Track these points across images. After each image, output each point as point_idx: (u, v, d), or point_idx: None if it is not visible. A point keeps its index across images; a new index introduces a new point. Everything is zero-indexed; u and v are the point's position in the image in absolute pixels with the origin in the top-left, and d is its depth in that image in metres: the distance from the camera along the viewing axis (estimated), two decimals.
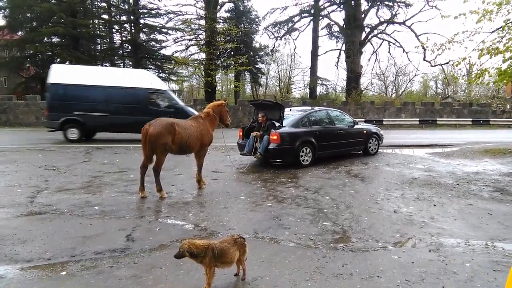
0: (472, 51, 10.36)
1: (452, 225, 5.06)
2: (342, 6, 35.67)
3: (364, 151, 12.15)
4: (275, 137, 9.43)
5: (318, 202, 6.19)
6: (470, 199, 6.49)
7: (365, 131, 12.24)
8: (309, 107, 12.94)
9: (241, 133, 10.95)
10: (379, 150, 12.55)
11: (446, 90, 52.77)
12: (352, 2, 33.87)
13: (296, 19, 37.07)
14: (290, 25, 37.47)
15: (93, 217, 5.22)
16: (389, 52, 57.79)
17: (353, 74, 34.51)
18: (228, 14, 37.02)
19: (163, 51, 34.45)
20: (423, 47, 16.97)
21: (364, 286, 3.30)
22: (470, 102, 34.64)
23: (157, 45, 33.84)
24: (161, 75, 37.53)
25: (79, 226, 4.85)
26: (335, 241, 4.44)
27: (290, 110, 11.45)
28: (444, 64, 31.37)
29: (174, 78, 40.20)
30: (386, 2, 34.73)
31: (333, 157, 10.77)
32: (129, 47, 33.64)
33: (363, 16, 35.14)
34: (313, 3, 35.65)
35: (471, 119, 28.68)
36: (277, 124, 9.91)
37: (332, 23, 37.94)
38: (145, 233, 4.62)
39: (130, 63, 35.12)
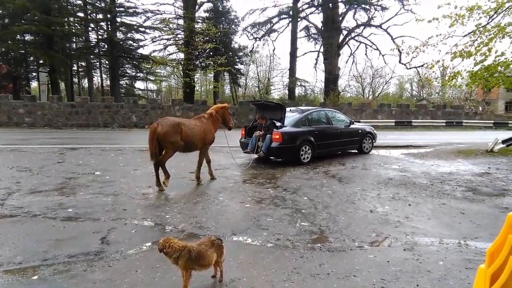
0: (445, 54, 10.66)
1: (426, 224, 5.17)
2: (320, 8, 36.06)
3: (359, 149, 12.67)
4: (277, 136, 9.92)
5: (296, 202, 6.22)
6: (444, 198, 6.65)
7: (360, 131, 12.76)
8: (310, 108, 13.42)
9: (243, 132, 11.45)
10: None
11: (421, 92, 54.17)
12: (330, 4, 34.28)
13: (275, 20, 37.29)
14: (269, 26, 37.66)
15: (67, 220, 5.09)
16: (366, 54, 58.73)
17: (331, 76, 34.91)
18: (207, 14, 36.91)
19: (140, 51, 33.95)
20: (399, 50, 17.35)
21: (340, 286, 3.33)
22: (444, 104, 35.59)
23: (135, 44, 33.29)
24: (138, 74, 37.04)
25: (52, 229, 4.72)
26: (313, 241, 4.47)
27: (290, 110, 11.80)
28: (419, 66, 32.25)
29: (152, 78, 39.80)
30: (363, 5, 35.30)
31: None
32: (105, 46, 32.99)
33: (340, 18, 35.61)
34: (291, 4, 35.89)
35: (444, 121, 29.46)
36: (278, 124, 10.41)
37: (310, 25, 38.41)
38: (120, 235, 4.53)
39: (106, 62, 34.48)
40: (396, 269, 3.67)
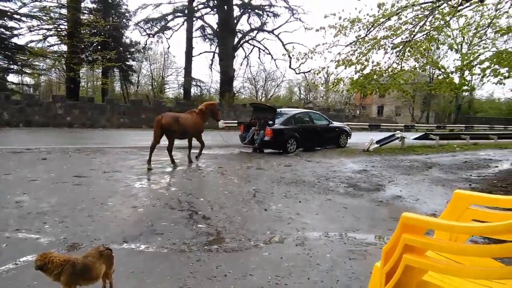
0: (330, 61, 11.53)
1: (314, 220, 5.52)
2: (215, 9, 36.23)
3: (337, 144, 15.71)
4: (269, 132, 12.87)
5: (193, 204, 6.11)
6: (329, 194, 7.20)
7: (337, 129, 16.03)
8: (297, 110, 17.42)
9: (242, 128, 14.46)
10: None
11: (308, 96, 58.14)
12: (225, 7, 34.65)
13: (169, 17, 36.23)
14: (163, 23, 36.45)
15: None
16: (259, 58, 61.12)
17: (226, 77, 35.36)
18: (95, 6, 34.17)
19: (14, 40, 29.95)
20: (289, 56, 18.29)
21: (237, 286, 3.34)
22: (328, 107, 38.78)
23: (7, 32, 29.18)
24: (12, 67, 32.60)
25: None
26: (209, 243, 4.42)
27: (280, 111, 14.73)
28: (307, 72, 34.40)
29: (28, 71, 35.37)
30: (256, 11, 36.59)
31: (211, 158, 10.82)
32: None
33: (235, 21, 36.29)
34: (186, 3, 35.37)
35: None
36: (270, 122, 13.25)
37: (206, 25, 38.29)
38: None
39: None
40: (289, 264, 3.83)
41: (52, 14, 28.47)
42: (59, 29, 29.49)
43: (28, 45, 28.76)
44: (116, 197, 6.42)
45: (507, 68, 9.35)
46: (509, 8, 9.87)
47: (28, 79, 43.35)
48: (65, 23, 28.95)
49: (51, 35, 30.16)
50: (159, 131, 9.23)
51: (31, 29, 28.85)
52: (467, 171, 10.71)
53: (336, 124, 16.57)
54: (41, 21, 28.39)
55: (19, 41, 29.35)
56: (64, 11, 29.19)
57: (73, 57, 27.76)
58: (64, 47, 30.48)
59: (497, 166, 11.93)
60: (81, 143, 14.29)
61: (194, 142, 10.63)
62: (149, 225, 4.94)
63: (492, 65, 9.35)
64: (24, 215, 5.16)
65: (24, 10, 28.40)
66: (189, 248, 4.22)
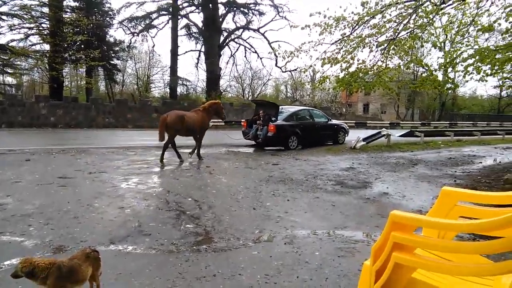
0: (316, 59, 11.52)
1: (303, 218, 5.53)
2: (200, 8, 35.96)
3: (335, 141, 16.12)
4: (272, 128, 13.35)
5: (181, 204, 6.06)
6: (317, 192, 7.23)
7: (335, 126, 16.50)
8: (298, 107, 17.83)
9: (245, 124, 15.15)
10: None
11: (295, 94, 58.22)
12: (210, 5, 34.41)
13: (154, 15, 35.87)
14: (147, 21, 36.06)
15: None
16: (245, 56, 61.11)
17: (213, 76, 35.14)
18: (77, 4, 33.53)
19: None
20: (275, 54, 18.36)
21: (227, 286, 3.32)
22: (314, 105, 38.93)
23: None
24: None
25: None
26: (198, 243, 4.39)
27: (282, 108, 15.25)
28: (293, 70, 34.51)
29: (10, 70, 34.60)
30: (242, 9, 36.47)
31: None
32: None
33: (221, 20, 36.10)
34: (171, 1, 34.99)
35: None
36: (273, 118, 13.71)
37: (191, 24, 37.99)
38: None
39: None
40: (278, 263, 3.82)
41: (33, 13, 27.85)
42: (41, 28, 28.88)
43: (9, 44, 28.11)
44: (102, 198, 6.32)
45: (489, 66, 9.51)
46: (490, 6, 10.02)
47: (10, 79, 42.35)
48: (47, 22, 28.37)
49: (32, 34, 29.54)
50: (163, 129, 9.53)
51: (12, 28, 28.19)
52: (452, 167, 10.89)
53: (334, 121, 17.18)
54: (22, 20, 27.76)
55: (0, 40, 28.67)
56: (45, 9, 28.59)
57: (56, 56, 27.23)
58: (46, 46, 29.90)
59: (481, 162, 12.16)
60: (66, 144, 14.05)
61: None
62: (136, 226, 4.88)
63: (475, 63, 9.49)
64: (8, 218, 5.05)
65: (4, 9, 27.76)
66: (178, 248, 4.18)
